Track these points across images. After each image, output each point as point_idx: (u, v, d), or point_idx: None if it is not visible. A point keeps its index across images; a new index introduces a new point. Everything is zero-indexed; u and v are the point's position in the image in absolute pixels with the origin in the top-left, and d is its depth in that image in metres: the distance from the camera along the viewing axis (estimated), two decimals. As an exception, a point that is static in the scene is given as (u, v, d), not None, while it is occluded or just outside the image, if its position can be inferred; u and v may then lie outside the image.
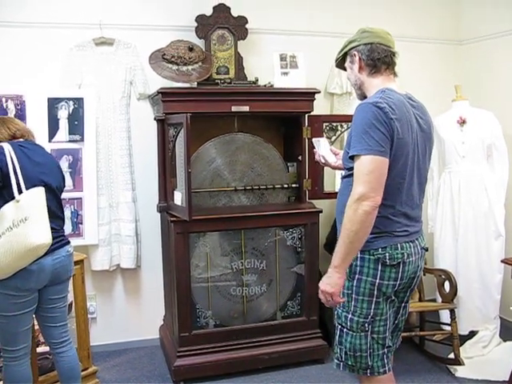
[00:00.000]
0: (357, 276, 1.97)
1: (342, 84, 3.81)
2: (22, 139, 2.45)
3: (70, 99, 3.17)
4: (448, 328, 3.36)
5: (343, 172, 2.10)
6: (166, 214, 3.18)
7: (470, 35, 4.18)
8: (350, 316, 2.00)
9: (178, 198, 2.97)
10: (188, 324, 3.12)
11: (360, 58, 2.04)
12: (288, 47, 3.51)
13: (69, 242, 2.51)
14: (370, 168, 1.82)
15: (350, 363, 2.04)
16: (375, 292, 1.97)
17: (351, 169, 1.91)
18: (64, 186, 2.56)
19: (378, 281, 1.96)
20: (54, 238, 2.34)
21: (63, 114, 3.17)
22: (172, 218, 3.03)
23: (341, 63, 2.19)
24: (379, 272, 1.96)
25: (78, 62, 3.28)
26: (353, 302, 1.99)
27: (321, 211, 3.33)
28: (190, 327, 3.13)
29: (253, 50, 3.61)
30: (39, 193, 2.28)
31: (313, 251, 3.32)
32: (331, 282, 1.90)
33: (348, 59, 2.10)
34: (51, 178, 2.41)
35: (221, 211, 3.21)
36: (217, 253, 3.23)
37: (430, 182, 3.77)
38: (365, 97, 2.07)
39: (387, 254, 1.94)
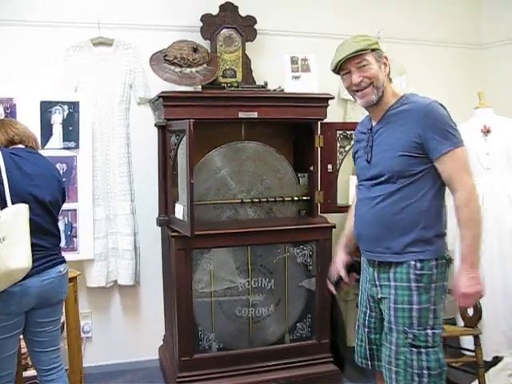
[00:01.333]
0: (434, 285, 1.91)
1: (356, 89, 3.57)
2: (21, 145, 2.23)
3: (64, 103, 2.94)
4: (469, 353, 3.11)
5: (382, 179, 1.95)
6: (166, 227, 2.94)
7: (491, 39, 3.96)
8: (432, 331, 1.91)
9: (180, 211, 2.73)
10: (189, 347, 2.88)
11: (387, 62, 2.00)
12: (298, 50, 3.27)
13: (63, 262, 2.28)
14: (467, 159, 1.91)
15: None
16: (445, 295, 1.97)
17: (415, 174, 1.88)
18: (63, 200, 2.35)
19: (447, 283, 1.97)
20: (43, 258, 2.13)
21: (57, 119, 2.94)
22: (173, 233, 2.80)
23: (350, 61, 1.94)
24: (447, 273, 1.97)
25: (75, 63, 3.06)
26: (432, 315, 1.91)
27: (334, 226, 3.09)
28: (192, 351, 2.88)
29: (261, 52, 3.38)
30: (22, 210, 2.04)
31: (325, 269, 3.04)
32: (477, 279, 1.86)
33: (375, 56, 1.94)
34: (44, 191, 2.18)
35: (226, 225, 2.97)
36: (221, 270, 2.99)
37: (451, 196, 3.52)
38: (378, 101, 1.97)
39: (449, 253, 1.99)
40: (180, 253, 2.80)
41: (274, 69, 3.27)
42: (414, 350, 1.89)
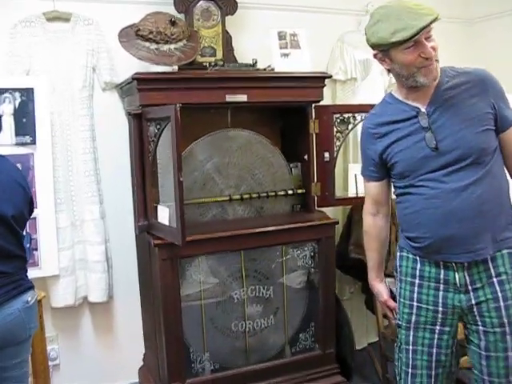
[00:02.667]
0: None
1: (345, 69, 3.23)
2: None
3: (15, 90, 2.44)
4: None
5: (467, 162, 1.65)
6: (146, 234, 2.50)
7: (481, 13, 3.71)
8: None
9: (164, 214, 2.31)
10: (180, 372, 2.47)
11: None
12: (282, 24, 2.89)
13: (30, 288, 1.84)
14: None
15: None
16: None
17: (495, 150, 1.68)
18: (31, 212, 1.91)
19: None
20: (4, 286, 1.71)
21: (7, 110, 2.44)
22: (156, 241, 2.37)
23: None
24: None
25: (25, 42, 2.55)
26: None
27: (337, 222, 2.74)
28: (183, 376, 2.48)
29: (243, 27, 2.97)
30: None
31: (328, 271, 2.72)
32: None
33: (432, 32, 1.61)
34: (4, 204, 1.72)
35: (213, 227, 2.57)
36: (211, 280, 2.58)
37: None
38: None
39: None
40: (165, 263, 2.37)
41: (258, 46, 2.88)
42: None
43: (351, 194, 2.89)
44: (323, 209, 2.85)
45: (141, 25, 2.38)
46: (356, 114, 2.82)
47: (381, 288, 2.01)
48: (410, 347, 1.78)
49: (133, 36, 2.39)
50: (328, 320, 2.74)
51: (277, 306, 2.72)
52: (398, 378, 1.88)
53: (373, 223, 1.96)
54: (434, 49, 1.60)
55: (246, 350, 2.67)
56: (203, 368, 2.57)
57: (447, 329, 1.74)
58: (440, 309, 1.73)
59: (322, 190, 2.81)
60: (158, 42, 2.38)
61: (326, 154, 2.80)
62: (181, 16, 2.71)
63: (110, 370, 2.94)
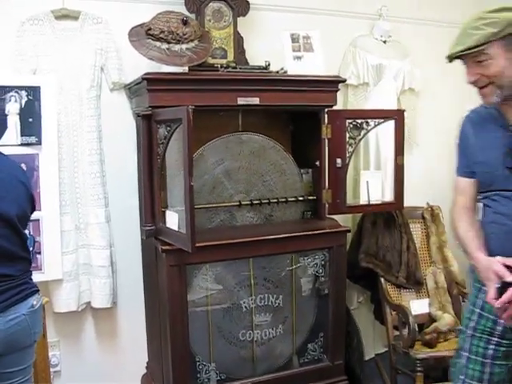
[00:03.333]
0: None
1: (358, 73, 3.17)
2: None
3: (21, 88, 2.37)
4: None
5: None
6: (153, 239, 2.43)
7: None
8: None
9: (173, 220, 2.24)
10: (186, 382, 2.39)
11: None
12: (296, 27, 2.82)
13: (36, 292, 1.78)
14: None
15: None
16: None
17: None
18: (33, 211, 1.83)
19: None
20: (9, 290, 1.64)
21: (13, 109, 2.37)
22: (163, 247, 2.29)
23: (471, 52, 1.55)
24: None
25: (33, 40, 2.48)
26: None
27: (349, 230, 2.67)
28: (189, 386, 2.40)
29: (255, 29, 2.91)
30: None
31: (339, 281, 2.65)
32: None
33: (505, 45, 1.53)
34: (7, 204, 1.66)
35: (221, 233, 2.50)
36: (219, 288, 2.51)
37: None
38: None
39: None
40: (173, 270, 2.30)
41: (270, 49, 2.82)
42: None
43: (363, 201, 2.82)
44: (333, 216, 2.78)
45: (152, 24, 2.32)
46: (369, 120, 2.75)
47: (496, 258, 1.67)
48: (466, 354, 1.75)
49: (143, 35, 2.33)
50: (338, 330, 2.67)
51: (286, 315, 2.64)
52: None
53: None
54: (485, 76, 1.54)
55: (253, 360, 2.59)
56: (209, 378, 2.49)
57: (505, 341, 1.68)
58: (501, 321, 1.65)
59: (334, 197, 2.73)
60: (169, 42, 2.31)
61: (338, 160, 2.72)
62: (192, 16, 2.64)
63: (112, 378, 2.86)
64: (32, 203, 1.82)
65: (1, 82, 2.35)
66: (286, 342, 2.66)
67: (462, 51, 1.53)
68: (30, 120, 2.40)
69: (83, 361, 2.81)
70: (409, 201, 2.96)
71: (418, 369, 2.54)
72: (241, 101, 2.43)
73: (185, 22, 2.34)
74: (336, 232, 2.62)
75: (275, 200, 2.64)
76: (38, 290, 1.79)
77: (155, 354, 2.70)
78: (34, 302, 1.74)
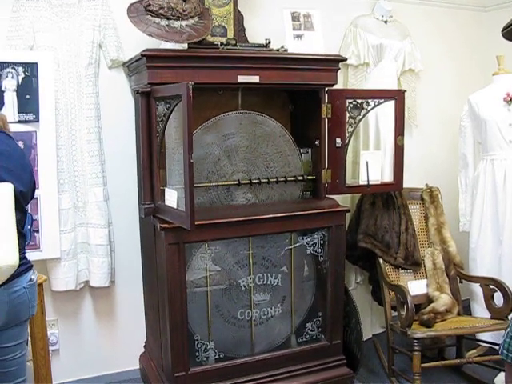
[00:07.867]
0: None
1: (358, 53, 3.15)
2: None
3: (18, 64, 2.34)
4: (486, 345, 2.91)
5: None
6: (152, 217, 2.42)
7: (494, 1, 3.62)
8: None
9: (172, 198, 2.22)
10: (184, 360, 2.39)
11: None
12: (294, 6, 2.78)
13: (31, 267, 1.79)
14: None
15: None
16: None
17: None
18: (32, 195, 1.85)
19: None
20: None
21: (9, 85, 2.34)
22: (162, 225, 2.28)
23: None
24: None
25: (29, 15, 2.45)
26: None
27: (348, 210, 2.67)
28: (187, 364, 2.40)
29: (254, 7, 2.88)
30: (5, 191, 1.58)
31: (338, 260, 2.65)
32: None
33: None
34: (16, 179, 1.68)
35: (221, 212, 2.48)
36: (217, 267, 2.51)
37: (463, 171, 3.18)
38: None
39: None
40: (172, 248, 2.29)
41: (270, 27, 2.80)
42: None
43: (362, 181, 2.81)
44: (332, 197, 2.77)
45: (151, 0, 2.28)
46: (369, 100, 2.72)
47: None
48: None
49: (142, 11, 2.29)
50: (336, 310, 2.67)
51: (284, 294, 2.65)
52: None
53: None
54: None
55: (252, 339, 2.60)
56: (207, 357, 2.50)
57: None
58: None
59: (333, 177, 2.73)
60: (168, 18, 2.28)
61: (338, 140, 2.71)
62: (191, -8, 2.61)
63: (111, 356, 2.88)
64: (34, 185, 1.85)
65: (-3, 58, 2.32)
66: (285, 321, 2.67)
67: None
68: (28, 97, 2.37)
69: (81, 339, 2.82)
70: (408, 182, 2.95)
71: (416, 348, 2.55)
72: (241, 79, 2.41)
73: (184, -2, 2.31)
74: (335, 211, 2.61)
75: (274, 179, 2.63)
76: (32, 266, 1.80)
77: (154, 332, 2.70)
78: (32, 277, 1.76)
